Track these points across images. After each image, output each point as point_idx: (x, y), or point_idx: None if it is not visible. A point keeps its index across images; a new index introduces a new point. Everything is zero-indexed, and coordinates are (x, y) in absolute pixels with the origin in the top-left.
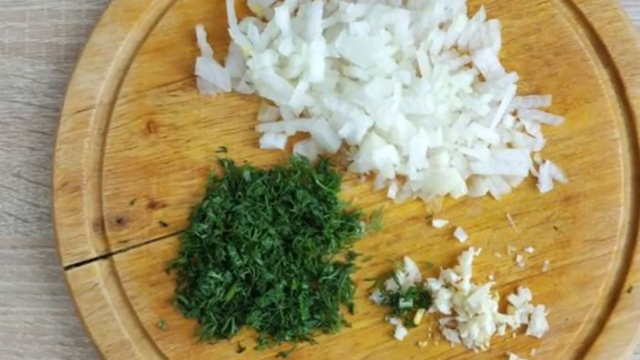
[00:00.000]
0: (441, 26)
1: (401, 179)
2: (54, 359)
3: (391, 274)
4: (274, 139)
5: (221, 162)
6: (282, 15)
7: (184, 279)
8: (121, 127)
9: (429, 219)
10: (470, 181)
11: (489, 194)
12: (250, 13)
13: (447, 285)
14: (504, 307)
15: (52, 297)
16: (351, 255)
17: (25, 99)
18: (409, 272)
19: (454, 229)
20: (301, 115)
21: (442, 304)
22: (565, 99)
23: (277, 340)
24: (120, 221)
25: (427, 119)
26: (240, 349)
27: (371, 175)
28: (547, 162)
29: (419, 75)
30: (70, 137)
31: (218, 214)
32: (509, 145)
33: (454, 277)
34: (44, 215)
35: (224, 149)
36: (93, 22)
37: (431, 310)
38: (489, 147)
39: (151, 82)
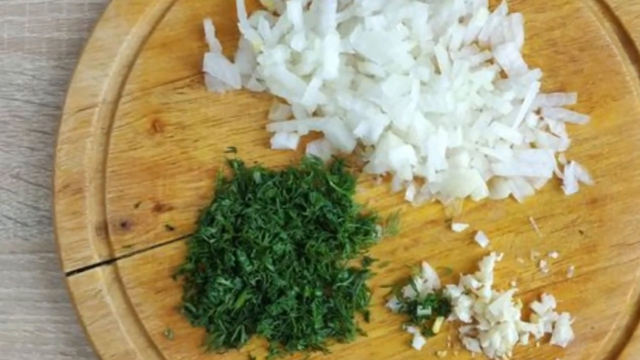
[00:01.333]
0: (461, 20)
1: (419, 180)
2: None
3: (409, 280)
4: (285, 139)
5: (230, 163)
6: (294, 8)
7: (192, 286)
8: (125, 127)
9: (448, 222)
10: (491, 183)
11: (511, 196)
12: (260, 6)
13: (468, 292)
14: (527, 315)
15: (53, 305)
16: (367, 261)
17: (25, 97)
18: (428, 279)
19: (474, 233)
20: (314, 114)
21: (462, 311)
22: (591, 96)
23: (289, 350)
24: (124, 225)
25: (446, 117)
26: (251, 359)
27: (388, 177)
28: (572, 163)
29: (437, 71)
30: (72, 137)
31: (227, 217)
32: (532, 146)
33: (474, 284)
34: (44, 219)
35: (234, 149)
36: (96, 16)
37: (450, 318)
38: (511, 147)
39: (157, 79)
